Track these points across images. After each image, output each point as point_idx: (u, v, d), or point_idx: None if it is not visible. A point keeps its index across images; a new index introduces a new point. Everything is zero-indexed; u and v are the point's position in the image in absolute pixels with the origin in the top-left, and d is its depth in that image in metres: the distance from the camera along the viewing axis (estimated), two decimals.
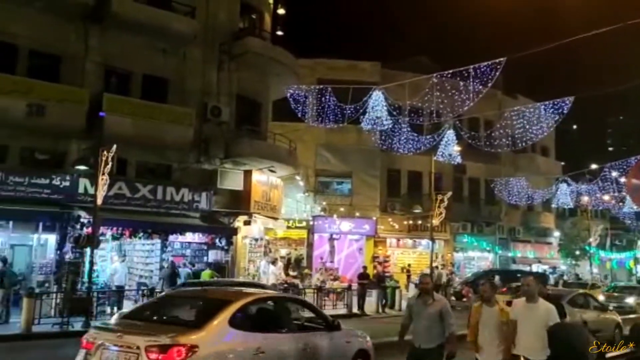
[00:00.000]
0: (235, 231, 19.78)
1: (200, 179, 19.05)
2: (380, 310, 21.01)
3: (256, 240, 22.46)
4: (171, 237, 18.32)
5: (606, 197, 37.41)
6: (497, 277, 24.58)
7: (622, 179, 32.81)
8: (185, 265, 17.94)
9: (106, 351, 5.73)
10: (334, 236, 29.87)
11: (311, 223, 29.21)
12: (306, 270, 25.86)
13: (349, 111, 18.30)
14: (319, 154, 30.38)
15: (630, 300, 23.19)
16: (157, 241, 18.12)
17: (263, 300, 7.41)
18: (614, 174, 33.12)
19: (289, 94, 20.75)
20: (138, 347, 5.49)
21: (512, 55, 11.93)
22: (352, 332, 8.43)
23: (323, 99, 20.05)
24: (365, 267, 23.22)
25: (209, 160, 19.12)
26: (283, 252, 28.23)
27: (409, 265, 30.10)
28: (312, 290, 21.37)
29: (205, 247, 19.37)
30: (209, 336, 5.82)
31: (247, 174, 20.00)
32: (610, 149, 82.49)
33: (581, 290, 15.22)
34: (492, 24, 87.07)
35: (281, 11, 22.49)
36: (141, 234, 17.51)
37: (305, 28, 73.49)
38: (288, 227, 27.73)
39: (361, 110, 18.37)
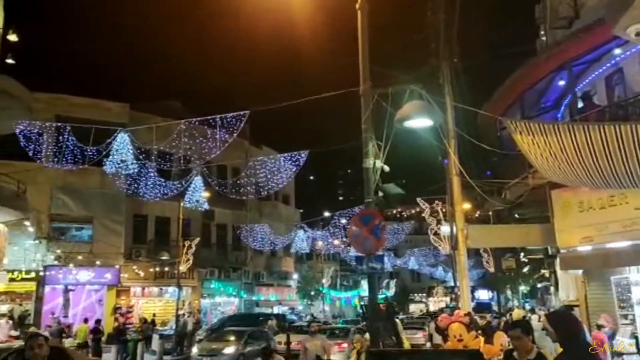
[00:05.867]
0: None
1: None
2: None
3: None
4: None
5: (336, 242, 41.99)
6: (272, 322, 25.27)
7: (349, 226, 37.36)
8: None
9: None
10: (70, 287, 27.05)
11: (42, 274, 26.02)
12: (32, 329, 22.74)
13: (90, 152, 17.07)
14: (55, 197, 27.58)
15: None
16: None
17: None
18: (343, 221, 37.44)
19: (18, 130, 18.45)
20: None
21: (255, 109, 12.81)
22: None
23: (61, 137, 18.35)
24: (99, 321, 21.56)
25: None
26: (4, 308, 24.42)
27: (154, 315, 28.93)
28: None
29: None
30: None
31: None
32: (341, 198, 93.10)
33: None
34: (245, 74, 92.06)
35: (13, 37, 20.06)
36: None
37: (45, 61, 67.22)
38: (12, 280, 24.13)
39: (104, 153, 17.32)
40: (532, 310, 25.08)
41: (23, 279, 25.40)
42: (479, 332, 8.61)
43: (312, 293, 45.37)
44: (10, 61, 19.37)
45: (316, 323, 9.78)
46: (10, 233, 20.72)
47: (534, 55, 16.36)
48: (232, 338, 19.23)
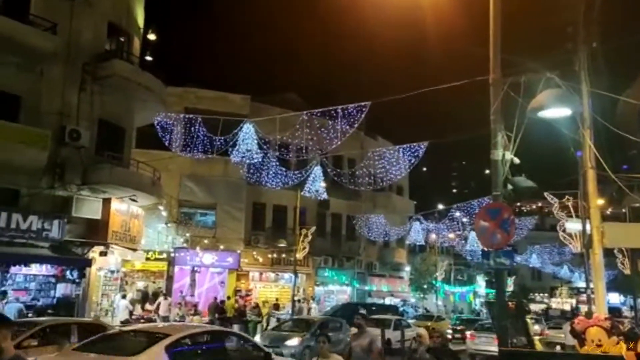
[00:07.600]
0: (89, 262, 18.38)
1: (53, 206, 17.49)
2: None
3: (112, 272, 21.11)
4: (13, 269, 16.54)
5: (451, 235, 40.94)
6: (363, 312, 25.57)
7: (465, 219, 36.25)
8: (17, 300, 16.24)
9: None
10: (196, 269, 29.03)
11: (172, 255, 28.15)
12: None
13: (218, 142, 18.13)
14: (184, 184, 29.63)
15: None
16: None
17: (199, 335, 8.71)
18: (458, 214, 36.39)
19: (155, 122, 20.09)
20: None
21: (377, 100, 12.80)
22: None
23: (192, 128, 19.69)
24: (223, 302, 22.67)
25: (64, 186, 17.65)
26: (140, 284, 26.81)
27: (277, 299, 29.96)
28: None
29: (54, 280, 17.73)
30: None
31: (106, 202, 18.82)
32: (454, 190, 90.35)
33: None
34: (358, 65, 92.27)
35: (152, 36, 21.89)
36: None
37: (174, 56, 72.19)
38: (147, 259, 26.42)
39: (230, 143, 18.30)
40: None
41: (156, 259, 27.65)
42: (620, 338, 7.98)
43: (425, 286, 44.72)
44: (148, 58, 21.07)
45: (360, 316, 8.36)
46: (146, 216, 22.67)
47: None
48: (299, 328, 17.81)
